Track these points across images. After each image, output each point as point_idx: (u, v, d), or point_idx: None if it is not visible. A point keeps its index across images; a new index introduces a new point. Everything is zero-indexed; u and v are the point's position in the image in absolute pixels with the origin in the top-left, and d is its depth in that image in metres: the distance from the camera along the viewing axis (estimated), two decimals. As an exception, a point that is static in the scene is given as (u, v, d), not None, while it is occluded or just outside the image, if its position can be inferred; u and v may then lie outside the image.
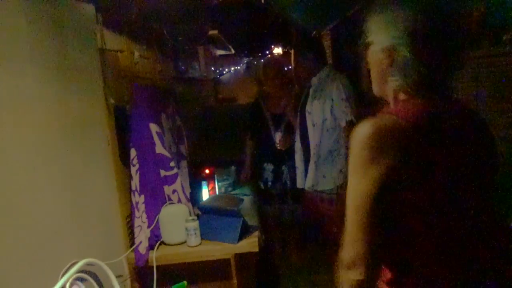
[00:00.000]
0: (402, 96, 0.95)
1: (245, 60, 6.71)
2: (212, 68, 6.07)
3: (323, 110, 2.43)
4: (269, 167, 2.99)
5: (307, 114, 2.52)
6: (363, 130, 0.86)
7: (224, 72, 6.75)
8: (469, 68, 2.08)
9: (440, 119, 0.89)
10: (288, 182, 2.95)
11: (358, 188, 0.87)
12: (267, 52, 6.41)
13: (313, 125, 2.48)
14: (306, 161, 2.61)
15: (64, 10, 1.44)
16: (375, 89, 1.02)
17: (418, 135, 0.85)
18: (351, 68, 3.10)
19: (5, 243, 1.04)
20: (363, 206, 0.86)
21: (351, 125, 2.35)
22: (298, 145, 2.70)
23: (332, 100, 2.40)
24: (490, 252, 0.92)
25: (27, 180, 1.17)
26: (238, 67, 6.92)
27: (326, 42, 4.02)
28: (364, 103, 2.54)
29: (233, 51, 5.28)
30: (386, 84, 0.97)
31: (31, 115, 1.21)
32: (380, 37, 0.94)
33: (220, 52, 5.38)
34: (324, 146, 2.44)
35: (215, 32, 3.62)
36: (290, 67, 4.86)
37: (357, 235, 0.87)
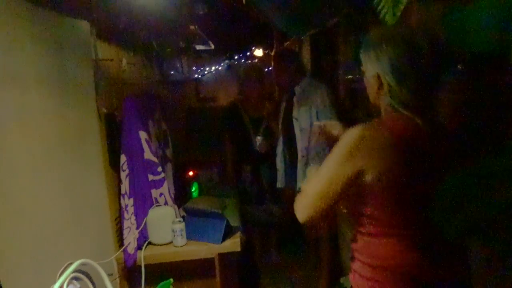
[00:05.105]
0: (390, 112, 1.17)
1: (226, 60, 6.78)
2: (194, 68, 6.15)
3: (310, 116, 2.65)
4: (247, 168, 3.15)
5: (294, 120, 2.72)
6: (357, 131, 1.10)
7: (205, 72, 6.81)
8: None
9: (419, 136, 1.10)
10: (265, 183, 3.12)
11: (332, 170, 1.12)
12: (248, 52, 6.51)
13: (301, 130, 2.68)
14: (286, 163, 2.87)
15: (63, 28, 1.53)
16: (371, 99, 1.25)
17: (398, 146, 1.09)
18: (329, 76, 3.25)
19: (10, 243, 1.13)
20: (329, 181, 1.12)
21: None
22: (280, 149, 2.90)
23: (317, 107, 2.63)
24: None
25: (31, 185, 1.26)
26: (219, 67, 6.99)
27: (306, 48, 4.08)
28: (342, 109, 2.74)
29: (212, 46, 5.25)
30: (379, 99, 1.20)
31: (35, 126, 1.30)
32: (370, 68, 1.19)
33: (199, 47, 5.28)
34: (311, 149, 2.63)
35: (194, 27, 3.60)
36: (269, 69, 4.99)
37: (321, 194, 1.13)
